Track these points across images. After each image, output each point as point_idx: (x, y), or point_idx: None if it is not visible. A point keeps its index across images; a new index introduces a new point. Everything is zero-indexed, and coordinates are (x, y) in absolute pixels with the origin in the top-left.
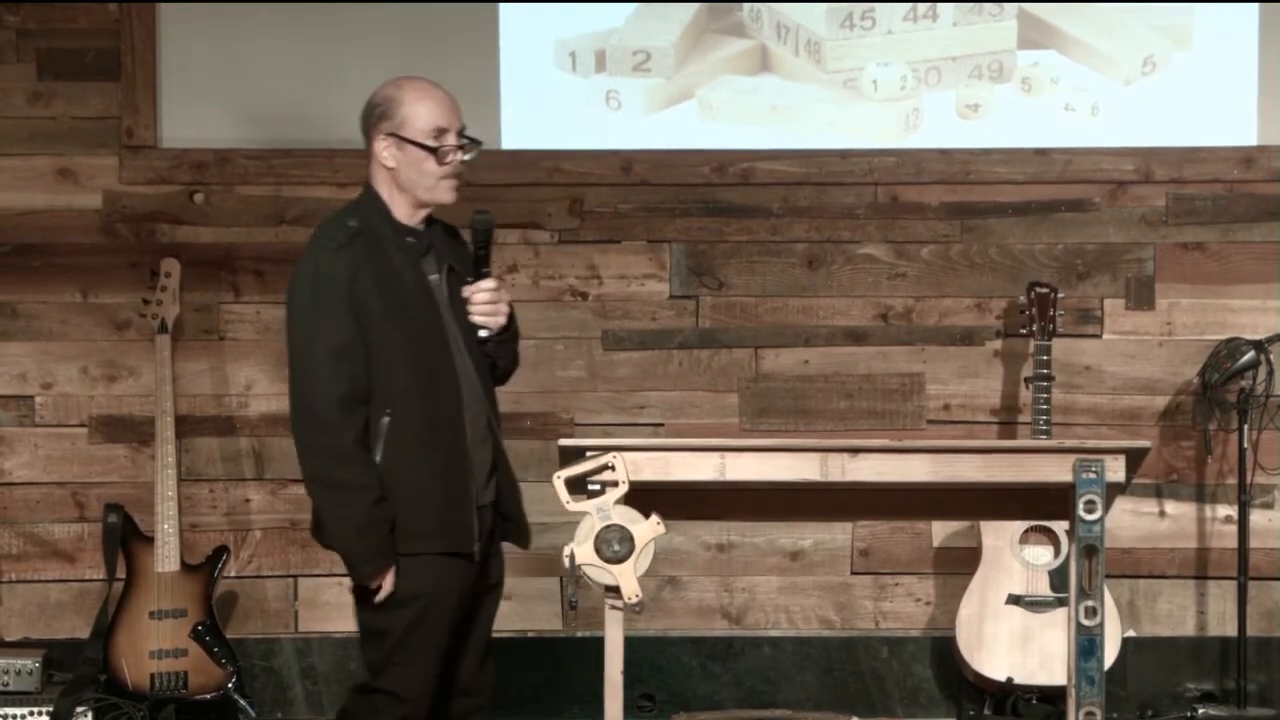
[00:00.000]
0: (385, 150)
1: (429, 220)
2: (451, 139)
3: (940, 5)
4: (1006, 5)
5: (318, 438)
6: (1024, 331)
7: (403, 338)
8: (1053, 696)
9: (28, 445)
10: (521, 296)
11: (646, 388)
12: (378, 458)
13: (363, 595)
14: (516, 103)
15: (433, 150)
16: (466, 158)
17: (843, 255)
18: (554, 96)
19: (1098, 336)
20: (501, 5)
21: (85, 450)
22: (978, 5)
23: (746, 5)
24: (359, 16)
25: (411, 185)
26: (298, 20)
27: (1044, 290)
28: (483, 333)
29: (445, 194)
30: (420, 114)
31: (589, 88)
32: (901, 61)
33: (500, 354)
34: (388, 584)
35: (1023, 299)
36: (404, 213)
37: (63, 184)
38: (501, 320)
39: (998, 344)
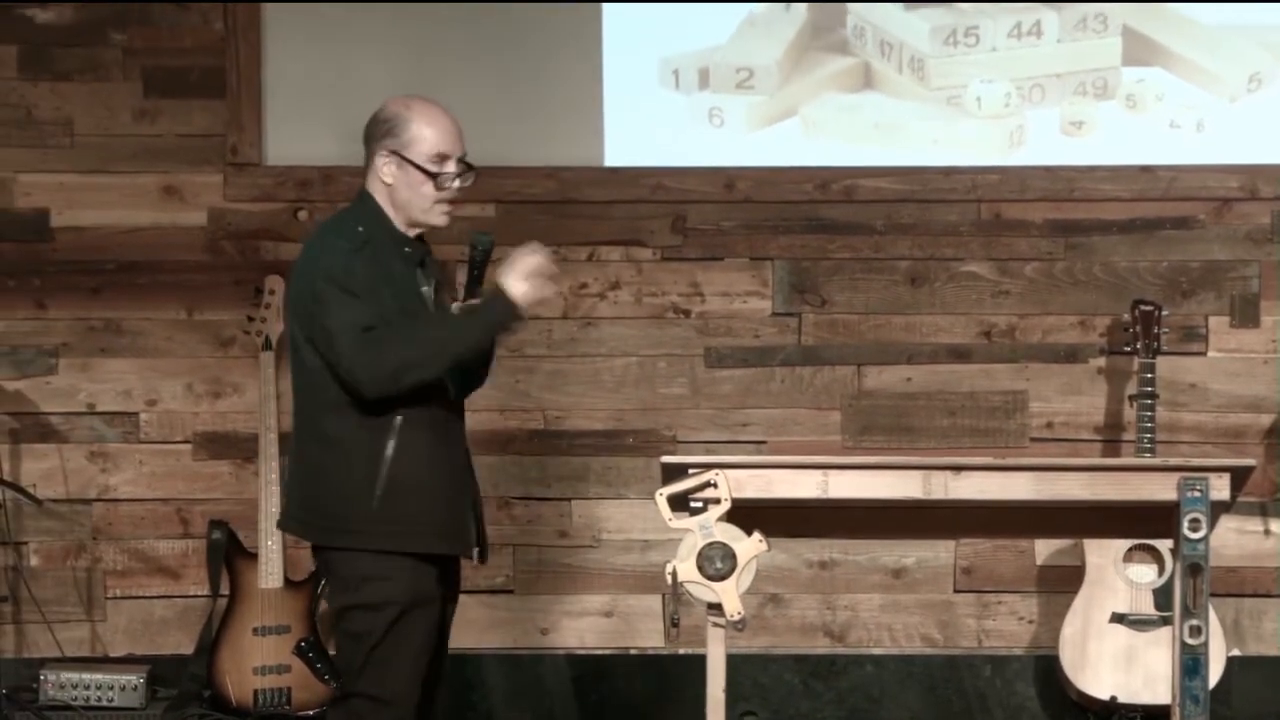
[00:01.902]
0: (386, 166)
1: (418, 237)
2: (452, 166)
3: (1045, 22)
4: (1111, 22)
5: (387, 370)
6: (1128, 349)
7: None
8: (1157, 716)
9: (132, 462)
10: (624, 313)
11: (749, 405)
12: (389, 454)
13: (347, 603)
14: (620, 120)
15: (433, 175)
16: (466, 184)
17: (946, 272)
18: (657, 114)
19: (1202, 354)
20: (606, 22)
21: (189, 466)
22: (1082, 22)
23: (850, 23)
24: (462, 34)
25: (406, 204)
26: (402, 38)
27: (1148, 308)
28: None
29: (438, 218)
30: (425, 137)
31: (692, 105)
32: (1005, 78)
33: (478, 366)
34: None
35: (1127, 316)
36: (400, 226)
37: (168, 201)
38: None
39: (1101, 361)
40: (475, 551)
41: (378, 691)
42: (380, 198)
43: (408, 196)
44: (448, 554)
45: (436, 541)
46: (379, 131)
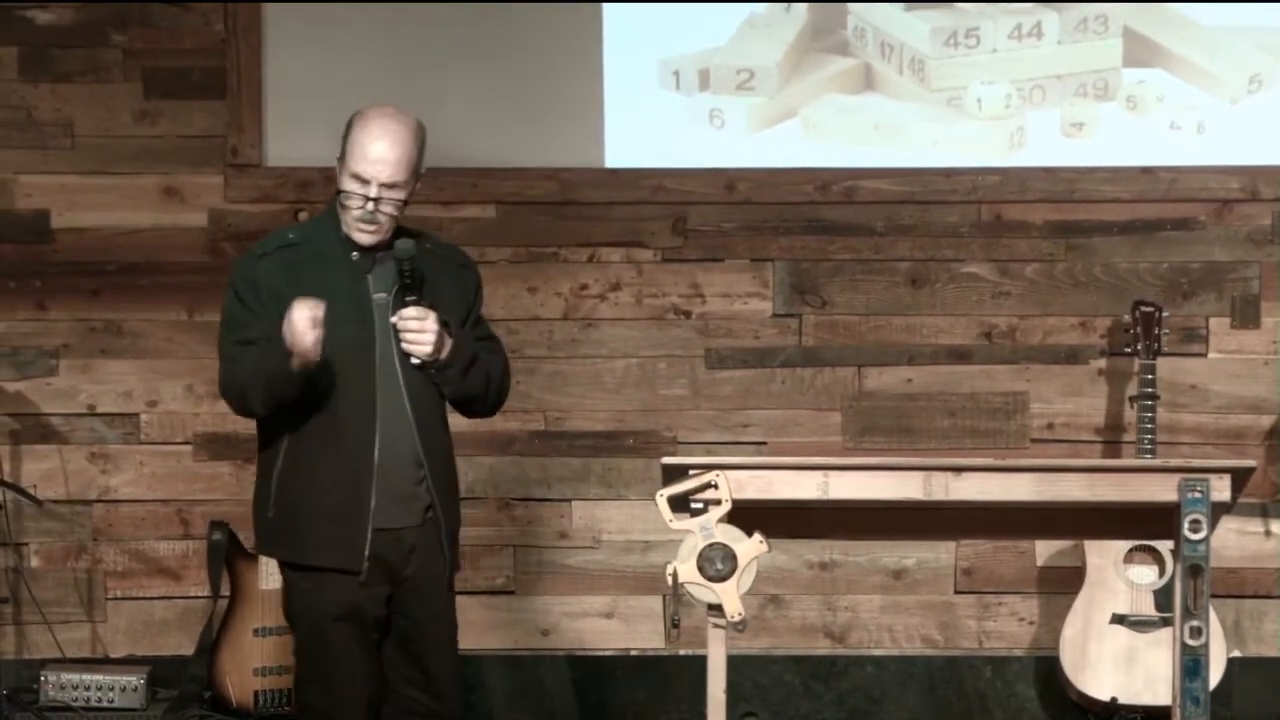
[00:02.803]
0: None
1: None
2: (370, 190)
3: (1045, 24)
4: (1111, 23)
5: (235, 395)
6: (1128, 350)
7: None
8: (1157, 717)
9: (133, 463)
10: (625, 315)
11: (749, 406)
12: (279, 465)
13: (284, 606)
14: (620, 121)
15: (338, 192)
16: (384, 210)
17: (946, 274)
18: (657, 115)
19: (1203, 355)
20: (606, 23)
21: (190, 468)
22: (1083, 24)
23: (850, 24)
24: (463, 35)
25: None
26: (402, 39)
27: (1149, 309)
28: (414, 360)
29: (358, 234)
30: (352, 154)
31: (692, 106)
32: (1006, 80)
33: (440, 380)
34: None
35: (1127, 318)
36: (353, 233)
37: (168, 202)
38: (425, 349)
39: (1102, 363)
40: (365, 566)
41: (318, 705)
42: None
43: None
44: (332, 568)
45: (318, 554)
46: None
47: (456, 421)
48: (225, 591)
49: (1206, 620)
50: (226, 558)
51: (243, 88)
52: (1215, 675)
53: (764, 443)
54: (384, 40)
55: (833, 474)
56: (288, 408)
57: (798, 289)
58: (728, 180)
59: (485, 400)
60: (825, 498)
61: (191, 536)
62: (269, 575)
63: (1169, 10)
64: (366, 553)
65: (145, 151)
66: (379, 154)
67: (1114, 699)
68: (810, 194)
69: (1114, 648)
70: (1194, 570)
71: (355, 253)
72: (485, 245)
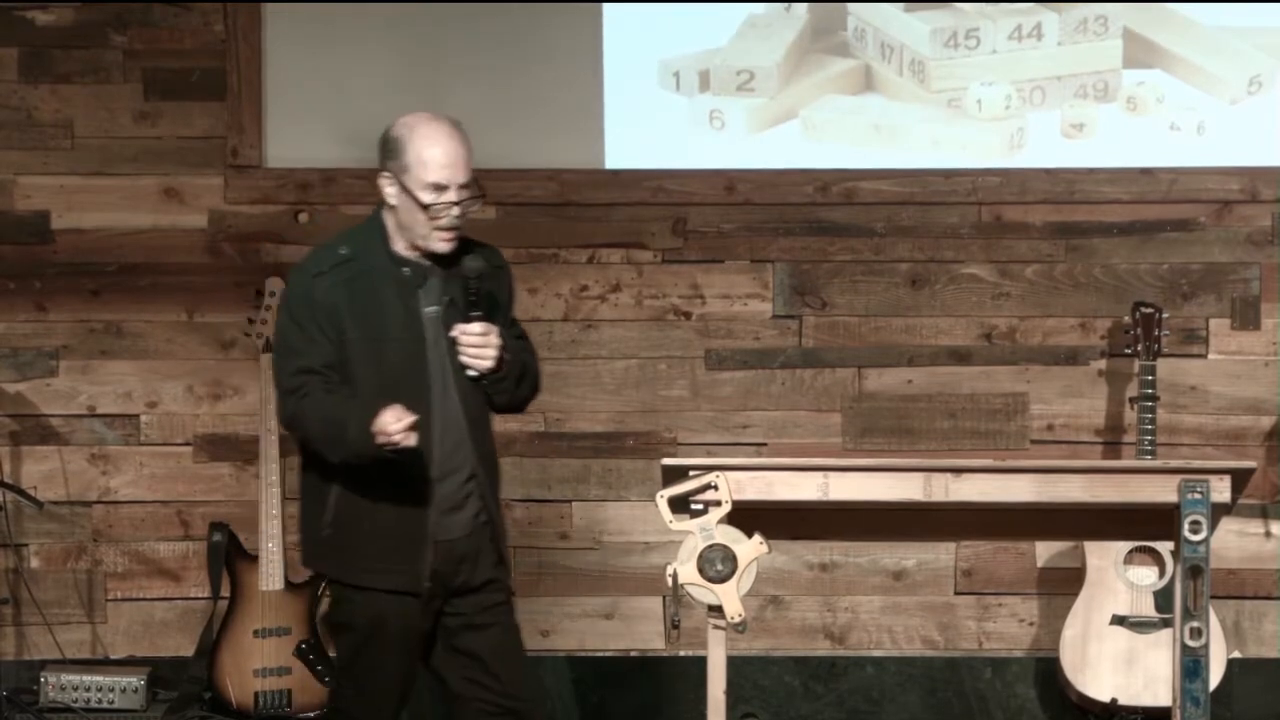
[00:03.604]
0: (389, 187)
1: (464, 246)
2: (451, 195)
3: (1045, 25)
4: (1111, 24)
5: (298, 432)
6: (1128, 351)
7: (374, 367)
8: (1157, 718)
9: (133, 464)
10: (625, 316)
11: (749, 407)
12: (336, 484)
13: (329, 619)
14: (620, 122)
15: (425, 207)
16: (469, 211)
17: (946, 275)
18: (658, 116)
19: (1203, 356)
20: (606, 24)
21: (190, 469)
22: (1083, 24)
23: (850, 25)
24: (463, 36)
25: (408, 227)
26: (403, 40)
27: (1149, 310)
28: (470, 373)
29: (437, 244)
30: (421, 165)
31: (692, 107)
32: (1006, 81)
33: (494, 391)
34: (396, 417)
35: (1127, 319)
36: (404, 245)
37: (168, 203)
38: (487, 364)
39: (1102, 364)
40: (426, 586)
41: (349, 708)
42: (388, 216)
43: (407, 220)
44: (394, 589)
45: (376, 578)
46: (383, 151)
47: None
48: (225, 592)
49: (1206, 621)
50: (226, 559)
51: (243, 89)
52: (1215, 676)
53: (764, 444)
54: (384, 41)
55: (833, 475)
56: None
57: (798, 290)
58: (728, 181)
59: (527, 402)
60: (825, 499)
61: (192, 537)
62: (269, 576)
63: (1169, 11)
64: (427, 574)
65: (145, 152)
66: (452, 156)
67: (1114, 700)
68: (810, 195)
69: (1114, 649)
70: (1194, 571)
71: (405, 268)
72: None
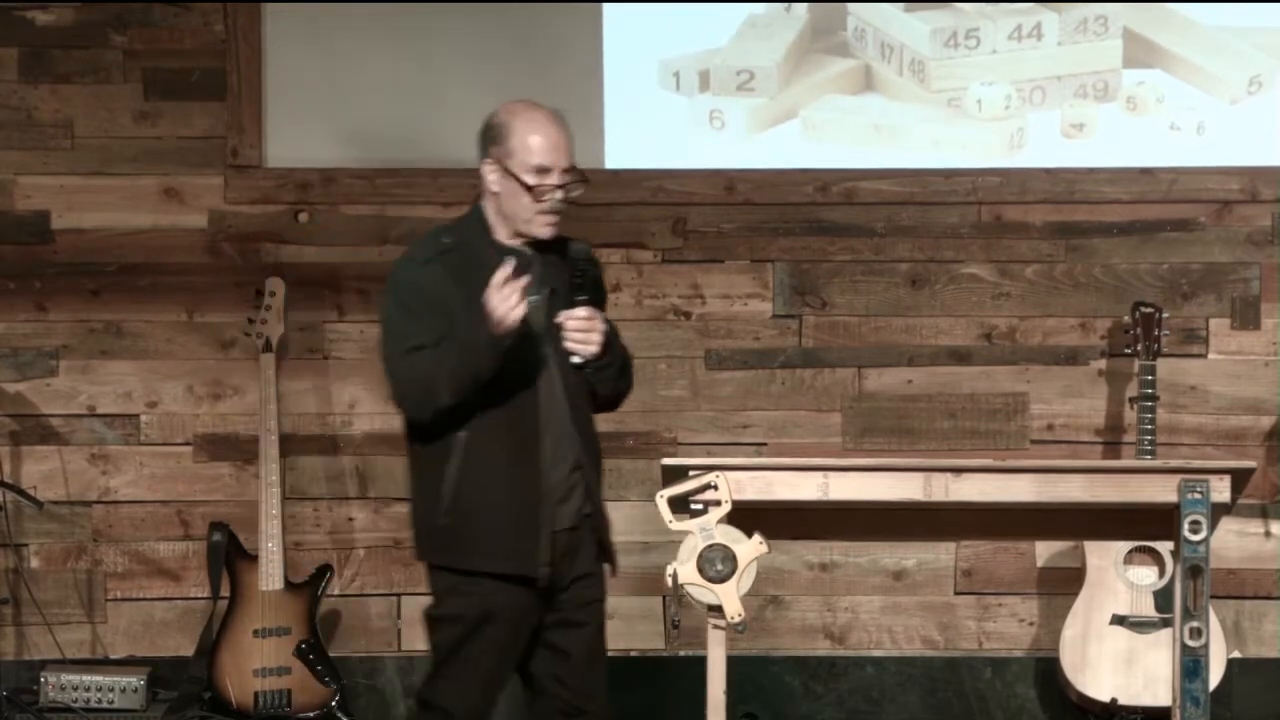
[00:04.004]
0: (491, 174)
1: (538, 242)
2: (554, 178)
3: (1045, 24)
4: (1111, 24)
5: (410, 399)
6: (1128, 351)
7: None
8: (1157, 718)
9: (133, 464)
10: (625, 315)
11: (749, 407)
12: (453, 471)
13: (427, 613)
14: (620, 122)
15: (530, 188)
16: (572, 195)
17: (946, 275)
18: (658, 116)
19: (1203, 356)
20: (606, 24)
21: (190, 469)
22: (1083, 24)
23: (850, 25)
24: (463, 36)
25: (511, 214)
26: (403, 40)
27: (1149, 310)
28: (575, 359)
29: (541, 229)
30: (526, 148)
31: (693, 107)
32: (1006, 81)
33: (598, 380)
34: (508, 308)
35: (1127, 319)
36: (505, 234)
37: (168, 203)
38: (593, 349)
39: (1102, 364)
40: (544, 572)
41: (443, 702)
42: (489, 205)
43: (511, 206)
44: (508, 575)
45: (494, 561)
46: (485, 138)
47: None
48: (225, 593)
49: (1206, 621)
50: (226, 558)
51: (243, 89)
52: (1215, 676)
53: (764, 444)
54: (384, 41)
55: (833, 475)
56: (467, 401)
57: (798, 290)
58: (728, 181)
59: (624, 397)
60: (825, 499)
61: (191, 537)
62: (269, 576)
63: (1169, 11)
64: (544, 559)
65: (145, 152)
66: (555, 140)
67: (1114, 700)
68: (810, 195)
69: (1114, 648)
70: (1194, 571)
71: (509, 256)
72: None
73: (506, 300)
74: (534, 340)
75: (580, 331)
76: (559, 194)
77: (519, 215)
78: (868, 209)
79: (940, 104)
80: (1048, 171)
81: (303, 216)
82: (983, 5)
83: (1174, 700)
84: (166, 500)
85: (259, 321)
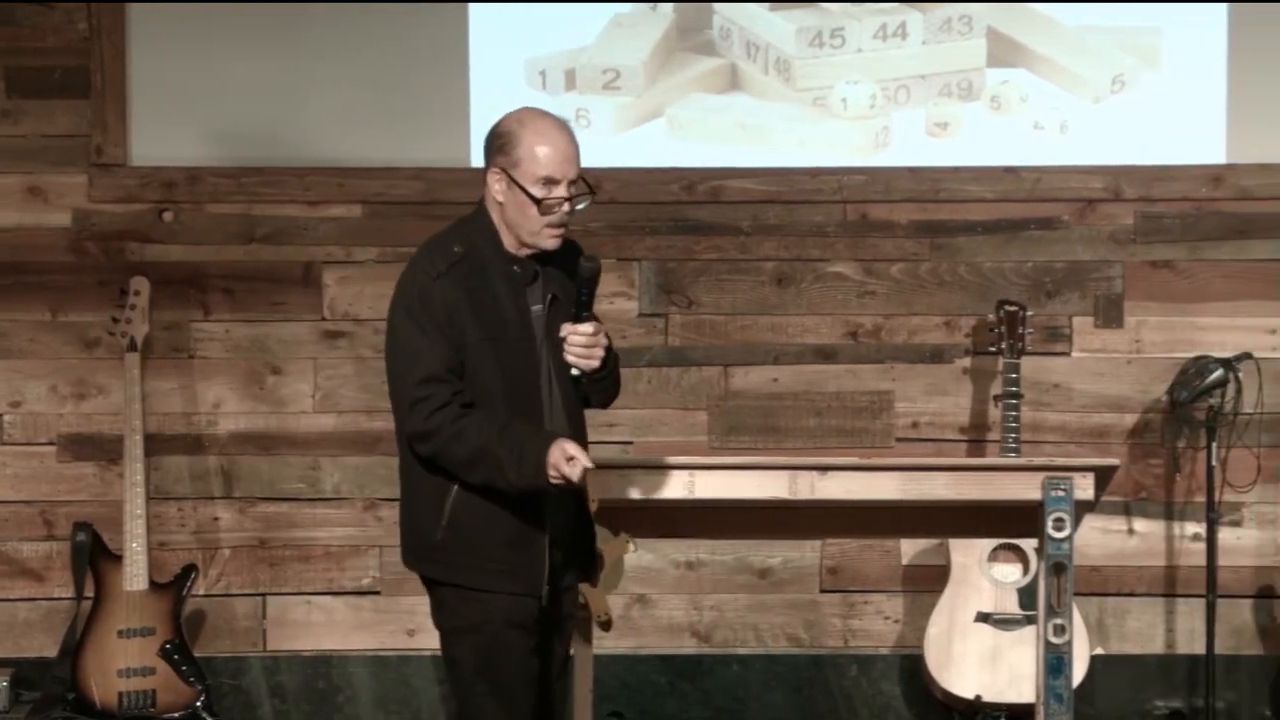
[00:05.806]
0: (497, 183)
1: (539, 253)
2: (561, 190)
3: (910, 24)
4: (975, 24)
5: (429, 446)
6: (993, 349)
7: (496, 367)
8: (1021, 714)
9: None
10: None
11: (615, 406)
12: (454, 488)
13: (439, 623)
14: (487, 121)
15: (537, 200)
16: (579, 208)
17: (812, 273)
18: None
19: (1066, 354)
20: (471, 23)
21: (54, 469)
22: (947, 24)
23: (716, 24)
24: (328, 35)
25: (515, 224)
26: (268, 39)
27: (1013, 308)
28: (574, 372)
29: (546, 241)
30: (534, 159)
31: (559, 106)
32: (871, 80)
33: (592, 391)
34: (566, 455)
35: (992, 317)
36: (511, 243)
37: (32, 202)
38: (594, 364)
39: (967, 362)
40: (545, 591)
41: (483, 714)
42: (494, 214)
43: (516, 218)
44: (515, 593)
45: (498, 580)
46: (492, 146)
47: (318, 421)
48: (89, 593)
49: (1070, 618)
50: (90, 559)
51: (107, 87)
52: (1078, 673)
53: (630, 442)
54: (249, 40)
55: (699, 473)
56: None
57: (664, 288)
58: (594, 179)
59: (613, 401)
60: (691, 497)
61: (55, 537)
62: (133, 576)
63: (1032, 11)
64: (547, 575)
65: (8, 151)
66: (564, 151)
67: (978, 697)
68: (676, 194)
69: (978, 646)
70: (1057, 568)
71: (516, 266)
72: (351, 245)
73: (572, 469)
74: (535, 351)
75: (584, 347)
76: (566, 207)
77: (524, 227)
78: (734, 208)
79: (806, 103)
80: (912, 170)
81: (167, 215)
82: (848, 5)
83: (1038, 697)
84: (30, 500)
85: (124, 321)
